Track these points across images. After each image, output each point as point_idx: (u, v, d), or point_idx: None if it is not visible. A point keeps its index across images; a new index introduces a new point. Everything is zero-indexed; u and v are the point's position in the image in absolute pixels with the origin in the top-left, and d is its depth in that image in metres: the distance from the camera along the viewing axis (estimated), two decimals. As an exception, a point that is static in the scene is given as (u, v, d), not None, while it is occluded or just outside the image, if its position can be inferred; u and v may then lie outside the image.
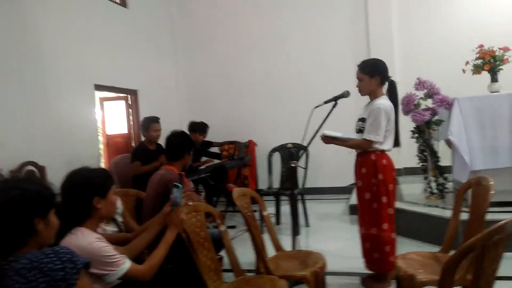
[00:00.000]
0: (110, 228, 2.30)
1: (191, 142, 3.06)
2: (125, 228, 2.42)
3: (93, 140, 5.15)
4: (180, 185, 2.04)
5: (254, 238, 2.42)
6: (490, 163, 3.59)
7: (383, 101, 2.80)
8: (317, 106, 2.88)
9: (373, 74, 2.84)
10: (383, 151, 2.83)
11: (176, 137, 3.02)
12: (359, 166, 2.93)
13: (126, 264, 1.69)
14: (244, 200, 2.67)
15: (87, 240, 1.64)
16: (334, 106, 2.90)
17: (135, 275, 1.72)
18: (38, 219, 1.28)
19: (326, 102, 2.92)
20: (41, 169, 3.90)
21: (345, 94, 2.91)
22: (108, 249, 1.66)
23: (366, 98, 2.97)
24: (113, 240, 2.03)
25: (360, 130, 2.89)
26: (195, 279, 2.34)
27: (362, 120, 2.88)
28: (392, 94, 2.88)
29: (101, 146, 6.16)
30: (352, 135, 2.93)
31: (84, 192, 1.71)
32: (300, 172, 4.53)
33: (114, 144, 6.33)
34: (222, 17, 6.99)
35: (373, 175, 2.79)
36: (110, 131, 6.45)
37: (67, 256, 1.17)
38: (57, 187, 1.56)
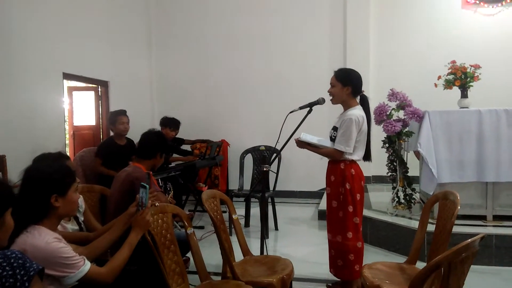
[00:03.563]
0: (71, 226, 2.18)
1: (165, 144, 2.98)
2: (86, 227, 2.31)
3: (59, 130, 4.93)
4: (147, 185, 1.96)
5: (222, 242, 2.37)
6: (456, 177, 3.69)
7: (356, 112, 2.81)
8: (292, 111, 2.87)
9: (346, 83, 2.85)
10: (352, 161, 2.85)
11: (151, 135, 2.95)
12: (329, 173, 2.94)
13: (86, 266, 1.61)
14: (213, 202, 2.62)
15: (44, 239, 1.54)
16: (308, 112, 2.90)
17: (95, 277, 1.63)
18: None
19: (301, 108, 2.91)
20: (1, 158, 3.69)
21: (320, 101, 2.92)
22: (67, 250, 1.57)
23: (341, 107, 2.99)
24: (72, 239, 1.94)
25: (332, 138, 2.89)
26: (159, 282, 2.26)
27: (335, 129, 2.89)
28: (364, 108, 2.90)
29: (67, 137, 5.93)
30: (327, 142, 2.94)
31: (41, 189, 1.61)
32: (272, 175, 4.51)
33: (81, 136, 6.10)
34: (201, 13, 6.88)
35: (340, 184, 2.81)
36: (78, 122, 6.21)
37: (18, 261, 1.08)
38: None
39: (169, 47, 7.03)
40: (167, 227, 2.24)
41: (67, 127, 5.86)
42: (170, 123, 5.31)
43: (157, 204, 2.19)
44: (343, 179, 2.78)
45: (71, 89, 6.15)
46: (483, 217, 3.73)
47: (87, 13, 5.43)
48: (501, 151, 3.62)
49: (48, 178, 1.62)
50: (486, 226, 3.63)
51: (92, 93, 5.95)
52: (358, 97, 2.93)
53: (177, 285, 2.14)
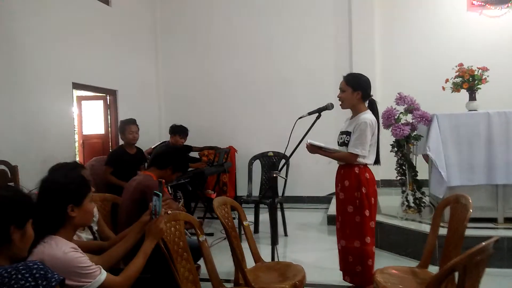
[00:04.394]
0: (85, 235, 2.21)
1: (180, 161, 2.97)
2: (100, 236, 2.34)
3: (69, 140, 5.00)
4: (160, 193, 1.98)
5: (234, 249, 2.38)
6: (466, 180, 3.67)
7: (369, 116, 2.82)
8: (301, 117, 2.88)
9: (356, 88, 2.86)
10: (365, 165, 2.85)
11: (170, 148, 2.98)
12: (341, 178, 2.92)
13: (102, 276, 1.62)
14: (224, 209, 2.63)
15: (61, 249, 1.56)
16: (317, 118, 2.90)
17: (111, 286, 1.65)
18: (14, 228, 1.20)
19: (310, 114, 2.92)
20: (13, 168, 3.74)
21: (329, 107, 2.93)
22: (84, 259, 1.59)
23: (347, 112, 3.00)
24: (87, 248, 1.96)
25: (343, 143, 2.90)
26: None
27: (346, 133, 2.89)
28: (373, 112, 2.91)
29: (77, 146, 5.99)
30: (334, 146, 2.94)
31: (58, 199, 1.64)
32: (280, 181, 4.53)
33: (90, 145, 6.17)
34: (206, 21, 6.95)
35: (356, 188, 2.80)
36: (87, 131, 6.28)
37: (40, 272, 1.10)
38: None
39: (175, 55, 7.10)
40: (180, 235, 2.25)
41: (76, 136, 5.93)
42: (179, 131, 5.34)
43: (169, 212, 2.21)
44: (358, 183, 2.78)
45: (80, 99, 6.22)
46: (494, 220, 3.70)
47: (95, 23, 5.51)
48: (511, 153, 3.61)
49: (65, 189, 1.64)
50: (497, 228, 3.61)
51: (100, 102, 6.02)
52: (367, 102, 2.94)
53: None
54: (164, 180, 2.19)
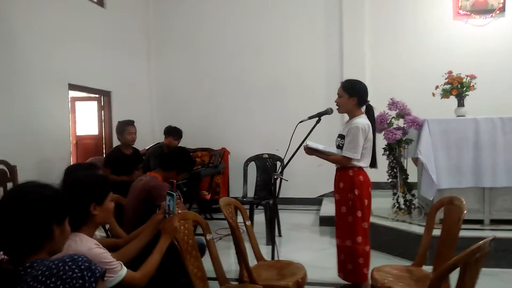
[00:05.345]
0: (98, 233, 2.28)
1: (186, 163, 3.04)
2: (111, 234, 2.40)
3: (65, 140, 5.01)
4: (174, 193, 2.06)
5: (240, 247, 2.47)
6: (455, 183, 3.85)
7: (362, 120, 2.95)
8: (301, 121, 3.00)
9: (352, 94, 2.99)
10: (360, 168, 2.98)
11: (178, 150, 3.06)
12: (337, 180, 3.05)
13: (123, 271, 1.70)
14: (229, 209, 2.72)
15: (86, 245, 1.64)
16: (317, 122, 3.02)
17: (131, 282, 1.73)
18: (55, 224, 1.28)
19: (310, 118, 3.04)
20: (12, 168, 3.76)
21: (328, 111, 3.05)
22: (107, 255, 1.67)
23: (344, 116, 3.13)
24: (104, 245, 2.02)
25: (339, 146, 3.02)
26: (181, 286, 2.36)
27: (341, 137, 3.02)
28: (369, 117, 3.04)
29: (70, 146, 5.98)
30: (333, 149, 3.06)
31: (82, 198, 1.71)
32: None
33: (83, 145, 6.17)
34: (199, 24, 7.02)
35: (350, 190, 2.93)
36: (80, 132, 6.28)
37: (85, 264, 1.18)
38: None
39: (167, 56, 7.15)
40: (189, 233, 2.34)
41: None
42: (174, 132, 5.36)
43: (179, 211, 2.29)
44: (352, 185, 2.91)
45: (74, 99, 6.21)
46: (480, 222, 3.88)
47: (90, 25, 5.53)
48: (497, 157, 3.79)
49: (89, 188, 1.72)
50: (484, 230, 3.79)
51: (94, 103, 6.03)
52: (364, 107, 3.07)
53: (198, 290, 2.24)
54: (175, 181, 2.27)
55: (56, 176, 2.55)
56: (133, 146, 4.58)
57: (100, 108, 6.01)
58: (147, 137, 6.64)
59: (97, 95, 5.94)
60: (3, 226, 1.22)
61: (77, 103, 6.24)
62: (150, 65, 7.19)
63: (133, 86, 6.61)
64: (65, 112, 5.05)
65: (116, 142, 5.64)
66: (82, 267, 1.17)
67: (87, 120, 6.23)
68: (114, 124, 5.79)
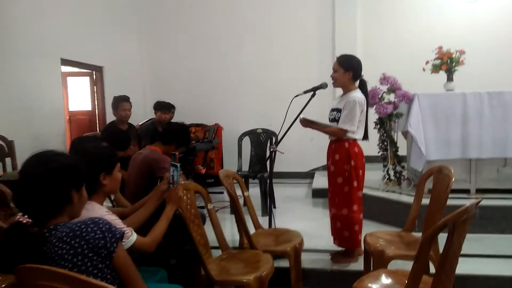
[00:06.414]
0: (104, 203, 2.36)
1: (185, 137, 3.12)
2: (117, 204, 2.49)
3: (59, 115, 5.01)
4: (177, 164, 2.14)
5: (240, 216, 2.59)
6: (443, 154, 3.99)
7: (358, 94, 3.04)
8: (297, 95, 3.09)
9: (348, 68, 3.07)
10: (355, 140, 3.09)
11: (178, 125, 3.12)
12: (332, 152, 3.15)
13: (133, 236, 1.80)
14: (228, 181, 2.82)
15: (98, 212, 1.72)
16: (312, 96, 3.11)
17: (141, 247, 1.83)
18: (74, 190, 1.36)
19: (305, 92, 3.12)
20: (10, 143, 3.79)
21: (323, 86, 3.14)
22: (118, 221, 1.76)
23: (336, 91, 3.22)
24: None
25: (334, 119, 3.12)
26: (182, 253, 2.48)
27: (337, 110, 3.11)
28: (363, 91, 3.13)
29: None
30: (326, 123, 3.16)
31: (92, 167, 1.78)
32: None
33: (76, 121, 6.18)
34: (190, 0, 6.95)
35: (346, 161, 3.04)
36: (73, 108, 6.26)
37: (106, 226, 1.28)
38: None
39: (158, 33, 7.09)
40: (191, 203, 2.44)
41: (63, 113, 5.91)
42: (162, 106, 5.36)
43: (182, 182, 2.38)
44: (348, 157, 3.02)
45: (65, 75, 6.17)
46: (467, 191, 4.06)
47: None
48: (484, 130, 3.93)
49: (98, 158, 1.79)
50: (470, 198, 3.97)
51: (87, 78, 6.00)
52: (358, 81, 3.16)
53: (203, 255, 2.36)
54: (177, 153, 2.35)
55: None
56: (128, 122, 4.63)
57: (93, 83, 5.98)
58: (139, 113, 6.64)
59: (89, 71, 5.90)
60: (27, 192, 1.30)
61: (69, 79, 6.20)
62: (141, 40, 7.11)
63: (125, 62, 6.57)
64: (58, 87, 5.04)
65: (109, 118, 5.66)
66: (103, 228, 1.26)
67: (79, 96, 6.20)
68: (107, 100, 5.81)
